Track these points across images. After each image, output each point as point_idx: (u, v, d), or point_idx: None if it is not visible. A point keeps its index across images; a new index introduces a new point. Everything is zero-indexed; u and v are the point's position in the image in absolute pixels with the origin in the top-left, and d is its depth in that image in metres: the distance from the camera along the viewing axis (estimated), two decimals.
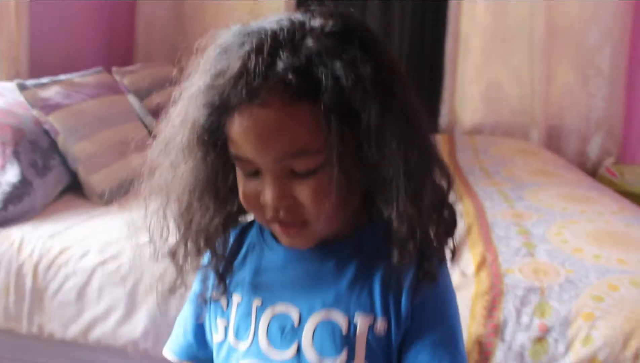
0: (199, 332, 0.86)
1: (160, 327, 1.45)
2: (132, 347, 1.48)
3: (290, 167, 0.68)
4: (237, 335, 0.79)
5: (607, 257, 1.54)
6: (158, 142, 0.78)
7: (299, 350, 0.75)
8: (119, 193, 1.85)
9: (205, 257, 0.82)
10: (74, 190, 1.95)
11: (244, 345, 0.78)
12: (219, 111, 0.68)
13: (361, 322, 0.74)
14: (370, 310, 0.74)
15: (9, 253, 1.58)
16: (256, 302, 0.78)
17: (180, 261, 0.81)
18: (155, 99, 2.35)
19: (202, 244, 0.80)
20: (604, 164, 2.89)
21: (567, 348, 1.34)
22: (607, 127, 2.92)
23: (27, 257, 1.56)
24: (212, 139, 0.70)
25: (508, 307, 1.37)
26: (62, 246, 1.56)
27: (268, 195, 0.68)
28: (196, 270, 0.83)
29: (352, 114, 0.67)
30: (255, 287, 0.79)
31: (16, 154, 1.79)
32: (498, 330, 1.38)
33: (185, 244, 0.80)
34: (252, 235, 0.83)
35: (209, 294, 0.83)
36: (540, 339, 1.35)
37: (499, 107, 3.07)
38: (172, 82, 0.81)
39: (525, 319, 1.36)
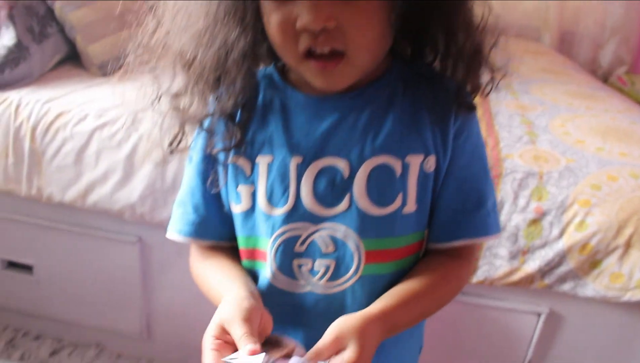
0: (213, 203, 0.79)
1: (157, 192, 1.45)
2: (129, 212, 1.49)
3: None
4: (270, 199, 0.73)
5: (609, 149, 1.53)
6: None
7: (351, 202, 0.72)
8: (118, 64, 1.81)
9: (211, 106, 0.74)
10: (73, 61, 1.91)
11: (281, 209, 0.73)
12: None
13: (413, 161, 0.72)
14: (420, 149, 0.73)
15: (5, 115, 1.55)
16: (295, 160, 0.72)
17: (186, 103, 0.74)
18: None
19: (214, 80, 0.71)
20: (616, 73, 2.82)
21: (561, 232, 1.35)
22: (622, 35, 2.82)
23: (24, 120, 1.54)
24: None
25: (505, 189, 1.37)
26: (59, 110, 1.54)
27: (309, 16, 0.62)
28: (199, 120, 0.74)
29: None
30: (290, 144, 0.73)
31: (11, 18, 1.73)
32: None
33: (196, 82, 0.72)
34: (266, 88, 0.76)
35: (220, 157, 0.76)
36: (535, 221, 1.36)
37: (512, 7, 2.96)
38: None
39: (521, 201, 1.36)
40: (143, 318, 1.70)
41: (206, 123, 0.76)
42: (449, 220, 0.78)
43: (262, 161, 0.74)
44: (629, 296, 1.36)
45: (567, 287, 1.39)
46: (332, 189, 0.72)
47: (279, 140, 0.73)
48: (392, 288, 0.75)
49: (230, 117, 0.74)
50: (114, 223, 1.57)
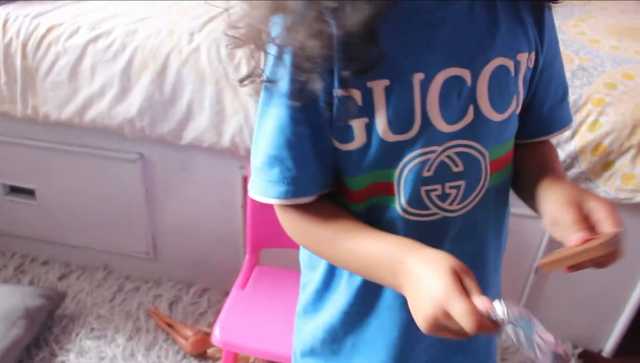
0: (312, 150, 0.67)
1: (156, 105, 1.41)
2: (128, 126, 1.45)
3: None
4: (394, 127, 0.65)
5: (625, 48, 1.47)
6: None
7: (475, 112, 0.67)
8: None
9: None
10: None
11: (407, 135, 0.65)
12: None
13: (522, 59, 0.69)
14: (526, 46, 0.69)
15: None
16: (418, 77, 0.63)
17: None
18: None
19: None
20: None
21: (574, 133, 1.31)
22: None
23: (14, 35, 1.48)
24: None
25: None
26: (49, 24, 1.47)
27: None
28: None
29: None
30: (408, 60, 0.62)
31: None
32: None
33: None
34: None
35: (320, 92, 0.62)
36: None
37: None
38: None
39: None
40: (149, 238, 1.70)
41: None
42: (545, 115, 0.76)
43: (377, 86, 0.63)
44: None
45: None
46: (457, 102, 0.66)
47: (395, 57, 0.62)
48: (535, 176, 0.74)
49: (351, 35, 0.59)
50: (114, 141, 1.54)
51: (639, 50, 1.46)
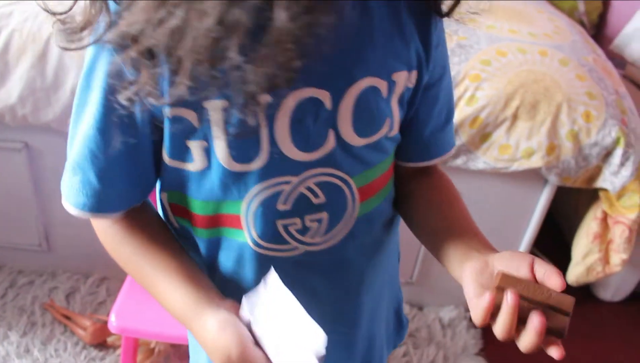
0: (124, 164, 0.60)
1: (38, 91, 1.35)
2: (9, 114, 1.38)
3: None
4: (235, 155, 0.58)
5: (500, 27, 1.56)
6: None
7: (336, 139, 0.60)
8: None
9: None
10: None
11: (253, 164, 0.59)
12: None
13: (399, 79, 0.61)
14: (406, 66, 0.61)
15: None
16: (261, 98, 0.53)
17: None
18: None
19: None
20: None
21: None
22: None
23: None
24: None
25: None
26: None
27: None
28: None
29: None
30: None
31: None
32: None
33: None
34: None
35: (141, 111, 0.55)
36: None
37: None
38: None
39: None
40: (40, 229, 1.64)
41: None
42: (426, 138, 0.70)
43: (213, 108, 0.54)
44: (515, 166, 1.43)
45: (459, 161, 1.45)
46: (314, 128, 0.58)
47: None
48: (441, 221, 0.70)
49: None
50: None
51: (512, 29, 1.56)
